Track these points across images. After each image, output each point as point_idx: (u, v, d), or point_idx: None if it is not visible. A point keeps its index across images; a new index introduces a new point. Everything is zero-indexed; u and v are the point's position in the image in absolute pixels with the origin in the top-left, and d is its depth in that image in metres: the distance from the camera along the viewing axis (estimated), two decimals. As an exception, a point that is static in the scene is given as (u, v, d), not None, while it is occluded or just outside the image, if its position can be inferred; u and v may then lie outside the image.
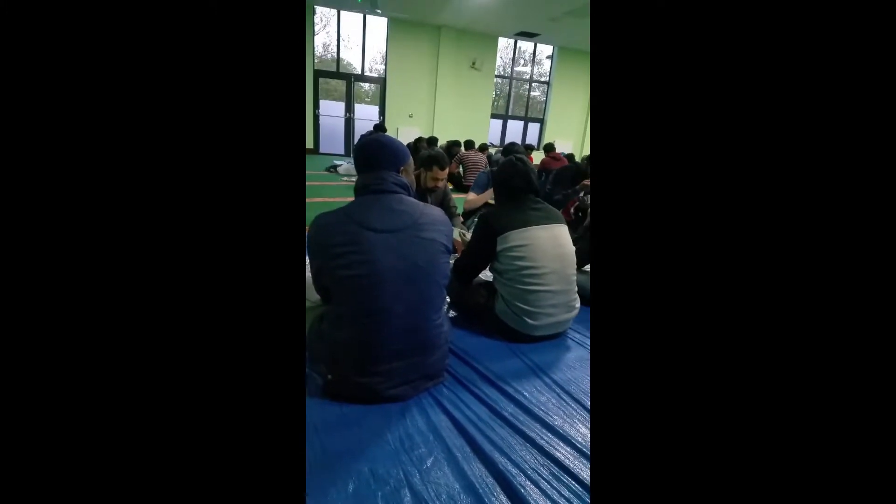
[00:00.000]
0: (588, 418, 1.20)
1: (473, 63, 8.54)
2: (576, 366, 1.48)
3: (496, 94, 9.47)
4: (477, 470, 0.99)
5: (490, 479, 0.97)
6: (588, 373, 1.43)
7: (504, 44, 8.97)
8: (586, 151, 8.77)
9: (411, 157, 1.27)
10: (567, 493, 0.94)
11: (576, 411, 1.23)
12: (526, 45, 9.31)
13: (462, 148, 6.11)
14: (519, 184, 1.58)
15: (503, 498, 0.92)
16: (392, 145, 1.22)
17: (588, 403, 1.26)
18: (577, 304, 1.65)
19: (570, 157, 5.58)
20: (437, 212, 1.24)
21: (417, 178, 2.37)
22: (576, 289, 1.64)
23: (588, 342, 1.65)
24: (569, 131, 9.75)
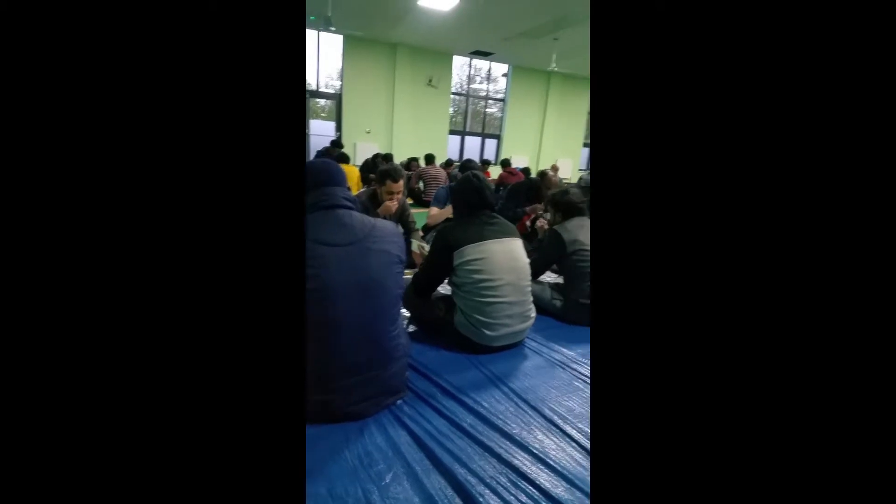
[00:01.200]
0: (545, 425, 1.24)
1: (430, 80, 8.69)
2: (533, 374, 1.52)
3: (454, 111, 9.67)
4: (436, 482, 1.00)
5: (450, 491, 0.98)
6: (544, 380, 1.48)
7: (460, 62, 9.20)
8: (542, 166, 9.07)
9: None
10: (524, 499, 0.97)
11: (533, 419, 1.26)
12: (482, 64, 9.59)
13: (422, 163, 6.18)
14: (473, 199, 1.64)
15: (463, 508, 0.93)
16: (335, 165, 1.26)
17: (545, 411, 1.30)
18: (533, 314, 1.71)
19: (526, 171, 5.76)
20: (388, 225, 1.26)
21: (376, 194, 2.38)
22: (531, 299, 1.70)
23: (544, 350, 1.70)
24: (525, 147, 10.07)
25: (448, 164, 6.05)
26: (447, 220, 2.87)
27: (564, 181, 5.70)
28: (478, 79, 10.00)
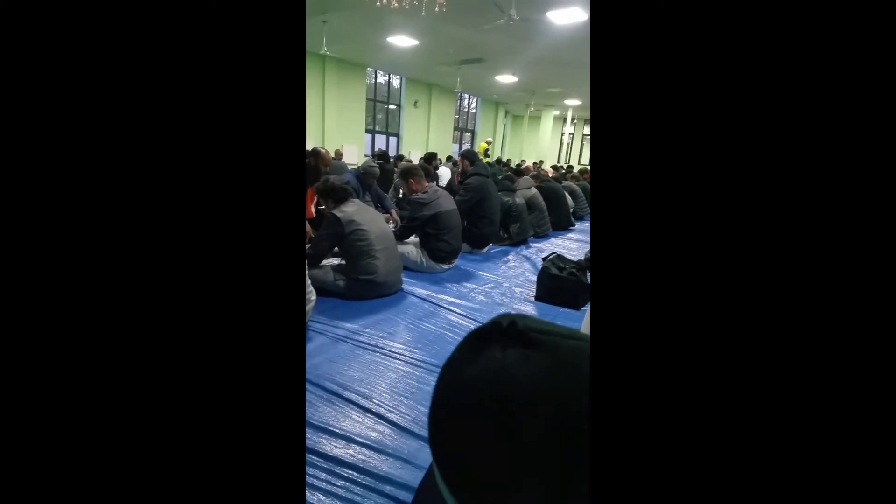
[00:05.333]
0: (326, 397, 1.30)
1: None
2: (315, 353, 1.56)
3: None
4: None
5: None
6: (327, 357, 1.54)
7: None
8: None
9: None
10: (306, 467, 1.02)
11: (315, 394, 1.31)
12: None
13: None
14: None
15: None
16: None
17: (326, 384, 1.36)
18: (313, 297, 1.74)
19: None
20: None
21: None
22: (308, 281, 1.72)
23: (328, 329, 1.76)
24: (308, 132, 9.72)
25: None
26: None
27: (351, 166, 5.78)
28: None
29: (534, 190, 4.14)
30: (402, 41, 6.88)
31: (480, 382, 0.26)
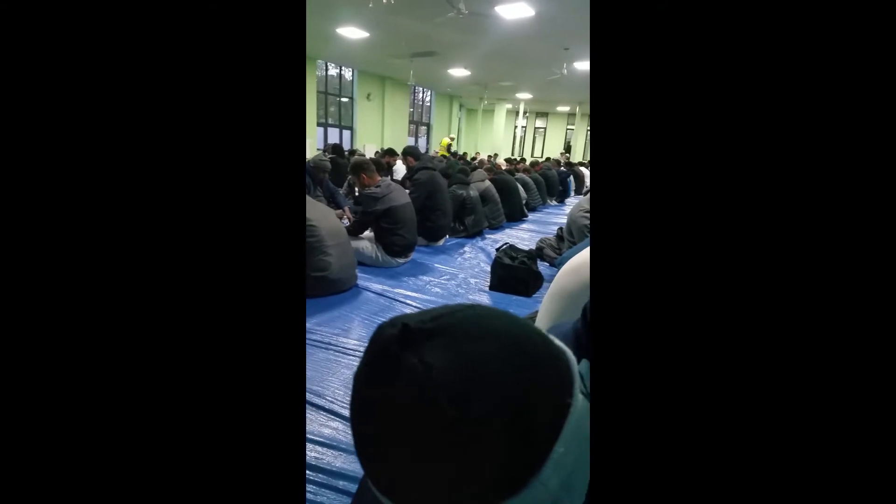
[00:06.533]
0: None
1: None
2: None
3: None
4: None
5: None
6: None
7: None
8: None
9: None
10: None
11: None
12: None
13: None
14: None
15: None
16: None
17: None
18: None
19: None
20: None
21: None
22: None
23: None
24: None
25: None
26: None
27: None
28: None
29: (487, 182, 4.20)
30: (353, 33, 6.73)
31: (411, 399, 0.25)
